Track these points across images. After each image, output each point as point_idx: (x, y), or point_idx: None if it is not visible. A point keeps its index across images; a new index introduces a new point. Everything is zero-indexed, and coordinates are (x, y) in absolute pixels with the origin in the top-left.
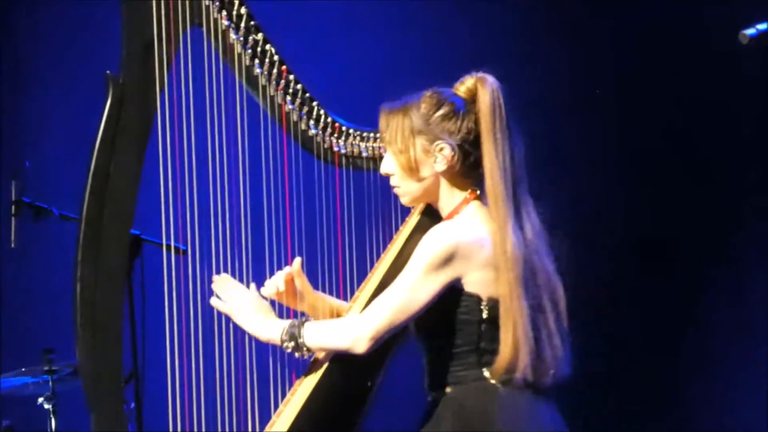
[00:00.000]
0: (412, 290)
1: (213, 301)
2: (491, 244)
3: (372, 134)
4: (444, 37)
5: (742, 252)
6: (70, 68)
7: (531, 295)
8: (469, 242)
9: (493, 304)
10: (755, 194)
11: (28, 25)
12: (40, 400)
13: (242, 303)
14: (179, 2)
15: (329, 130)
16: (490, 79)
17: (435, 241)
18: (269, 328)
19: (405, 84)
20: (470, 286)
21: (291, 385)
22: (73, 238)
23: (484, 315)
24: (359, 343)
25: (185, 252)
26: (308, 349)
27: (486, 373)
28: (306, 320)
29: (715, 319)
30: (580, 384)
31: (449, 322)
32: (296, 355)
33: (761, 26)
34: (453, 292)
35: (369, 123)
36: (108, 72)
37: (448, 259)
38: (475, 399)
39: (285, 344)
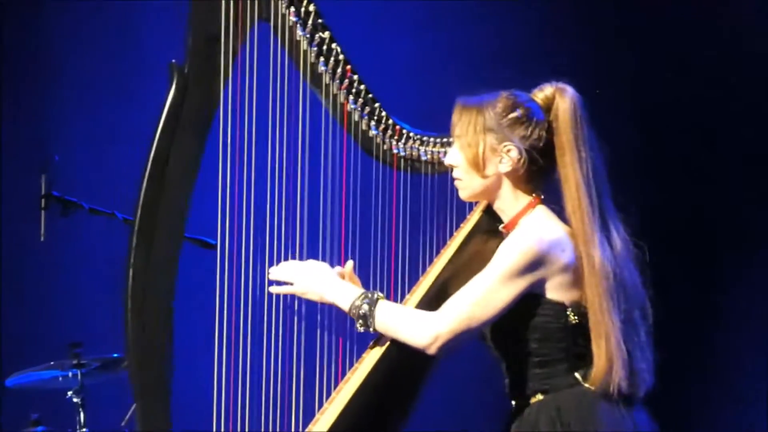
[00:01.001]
0: (493, 294)
1: (275, 288)
2: (573, 251)
3: (432, 139)
4: (470, 37)
5: (750, 253)
6: (99, 62)
7: (622, 309)
8: (552, 246)
9: (579, 309)
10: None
11: (58, 20)
12: (69, 393)
13: (308, 274)
14: None
15: (390, 132)
16: (570, 90)
17: (520, 246)
18: (339, 292)
19: (429, 85)
20: (552, 292)
21: (336, 383)
22: (102, 232)
23: (572, 321)
24: (435, 345)
25: (214, 246)
26: (375, 329)
27: (578, 377)
28: (379, 298)
29: (716, 319)
30: None
31: (534, 330)
32: (360, 329)
33: None
34: (534, 299)
35: (410, 119)
36: (173, 61)
37: (531, 265)
38: (573, 402)
39: (352, 314)
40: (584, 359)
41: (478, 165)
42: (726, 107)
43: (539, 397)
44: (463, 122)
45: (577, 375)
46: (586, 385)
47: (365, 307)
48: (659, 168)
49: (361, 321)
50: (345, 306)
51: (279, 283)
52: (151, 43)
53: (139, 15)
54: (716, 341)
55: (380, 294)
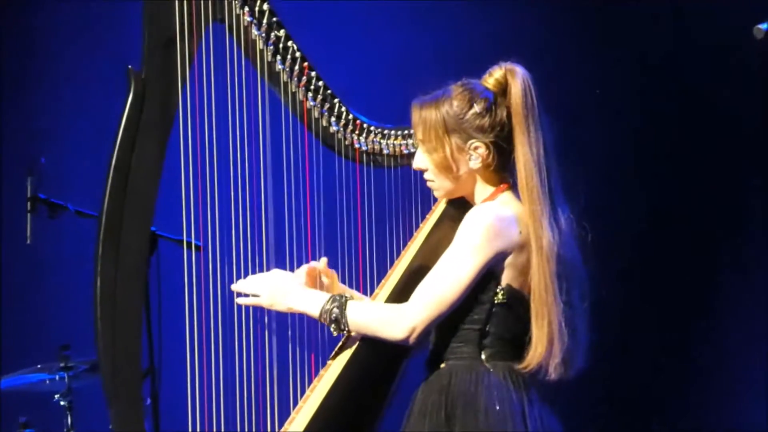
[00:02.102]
0: (459, 271)
1: (242, 300)
2: (526, 236)
3: (393, 131)
4: (460, 33)
5: (749, 252)
6: (85, 64)
7: (564, 289)
8: (510, 222)
9: (511, 292)
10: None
11: (43, 20)
12: (57, 396)
13: (273, 287)
14: None
15: (350, 127)
16: (520, 69)
17: (479, 222)
18: (307, 300)
19: (420, 81)
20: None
21: (310, 381)
22: (89, 234)
23: (499, 299)
24: (413, 336)
25: (201, 248)
26: (348, 330)
27: (482, 356)
28: (347, 299)
29: (716, 318)
30: (579, 380)
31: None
32: (334, 333)
33: None
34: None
35: (386, 119)
36: (130, 67)
37: (493, 237)
38: (466, 376)
39: (323, 320)
40: (498, 341)
41: (447, 168)
42: (723, 104)
43: (442, 365)
44: (424, 126)
45: (483, 354)
46: (486, 365)
47: (335, 310)
48: (657, 164)
49: (333, 325)
50: (315, 312)
51: (245, 295)
52: (140, 45)
53: (127, 18)
54: (716, 340)
55: (348, 295)
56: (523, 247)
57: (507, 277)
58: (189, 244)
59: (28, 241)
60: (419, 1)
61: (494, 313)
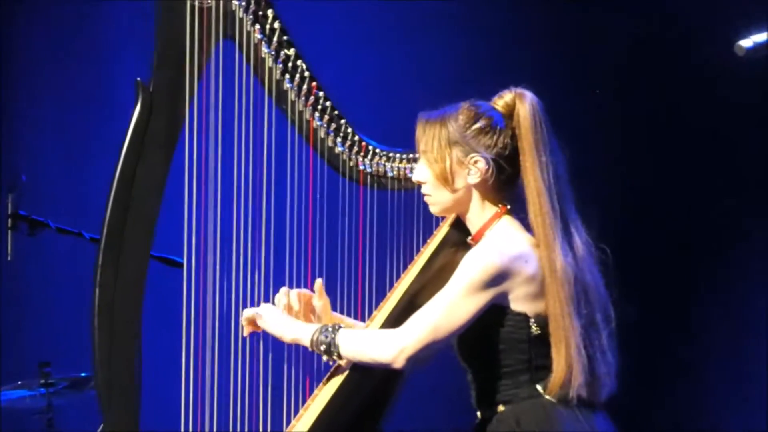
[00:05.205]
0: (456, 307)
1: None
2: (537, 262)
3: (398, 155)
4: (451, 47)
5: (743, 252)
6: (66, 80)
7: (583, 313)
8: (514, 260)
9: (541, 320)
10: (756, 197)
11: (24, 36)
12: (37, 413)
13: (264, 321)
14: (213, 14)
15: (356, 148)
16: (529, 94)
17: (482, 261)
18: (297, 329)
19: (410, 94)
20: (515, 303)
21: (305, 397)
22: (70, 252)
23: (534, 332)
24: (401, 358)
25: (181, 265)
26: (339, 356)
27: (539, 389)
28: (339, 327)
29: (714, 319)
30: None
31: (497, 341)
32: (324, 359)
33: (759, 38)
34: (497, 310)
35: (371, 132)
36: (138, 79)
37: (494, 279)
38: (532, 415)
39: (315, 348)
40: (546, 370)
41: (446, 179)
42: (708, 110)
43: (501, 408)
44: (427, 138)
45: (538, 387)
46: (547, 396)
47: (327, 337)
48: (659, 169)
49: (324, 348)
50: (306, 341)
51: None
52: (120, 61)
53: (107, 32)
54: (715, 341)
55: (335, 325)
56: (534, 276)
57: (532, 307)
58: (173, 262)
59: (9, 258)
60: (403, 16)
61: (534, 346)
